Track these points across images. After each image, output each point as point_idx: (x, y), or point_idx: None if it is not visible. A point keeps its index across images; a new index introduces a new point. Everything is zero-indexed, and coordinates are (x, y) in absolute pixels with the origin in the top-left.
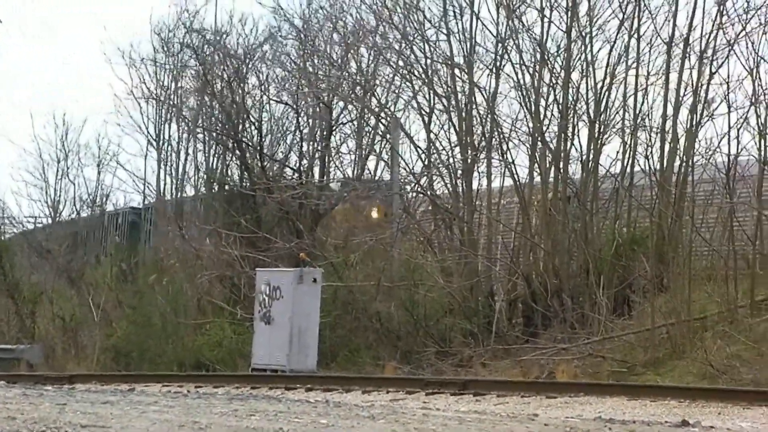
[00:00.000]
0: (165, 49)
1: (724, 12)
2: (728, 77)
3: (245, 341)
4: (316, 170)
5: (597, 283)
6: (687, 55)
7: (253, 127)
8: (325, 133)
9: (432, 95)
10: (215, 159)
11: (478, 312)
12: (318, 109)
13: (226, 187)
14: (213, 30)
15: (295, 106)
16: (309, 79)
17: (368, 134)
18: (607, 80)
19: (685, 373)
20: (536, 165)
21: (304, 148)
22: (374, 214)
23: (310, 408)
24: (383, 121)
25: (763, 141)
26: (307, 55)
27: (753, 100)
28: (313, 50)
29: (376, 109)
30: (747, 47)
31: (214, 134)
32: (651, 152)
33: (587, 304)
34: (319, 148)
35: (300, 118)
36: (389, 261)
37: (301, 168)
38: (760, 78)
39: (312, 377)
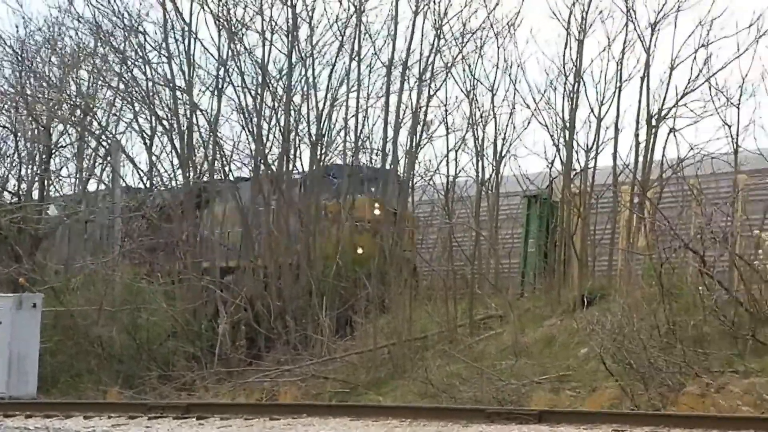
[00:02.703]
0: None
1: (442, 36)
2: (446, 100)
3: None
4: (36, 194)
5: (320, 304)
6: (406, 77)
7: None
8: (44, 156)
9: (153, 118)
10: None
11: (201, 335)
12: (37, 132)
13: None
14: None
15: (13, 129)
16: (27, 101)
17: (89, 157)
18: (329, 102)
19: (406, 392)
20: (259, 187)
21: (23, 172)
22: (376, 211)
23: None
24: (104, 143)
25: (480, 162)
26: (25, 78)
27: (470, 122)
28: (31, 72)
29: (97, 132)
30: (464, 70)
31: None
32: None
33: (310, 325)
34: (39, 171)
35: (18, 141)
36: (111, 285)
37: (20, 191)
38: (476, 100)
39: (32, 404)
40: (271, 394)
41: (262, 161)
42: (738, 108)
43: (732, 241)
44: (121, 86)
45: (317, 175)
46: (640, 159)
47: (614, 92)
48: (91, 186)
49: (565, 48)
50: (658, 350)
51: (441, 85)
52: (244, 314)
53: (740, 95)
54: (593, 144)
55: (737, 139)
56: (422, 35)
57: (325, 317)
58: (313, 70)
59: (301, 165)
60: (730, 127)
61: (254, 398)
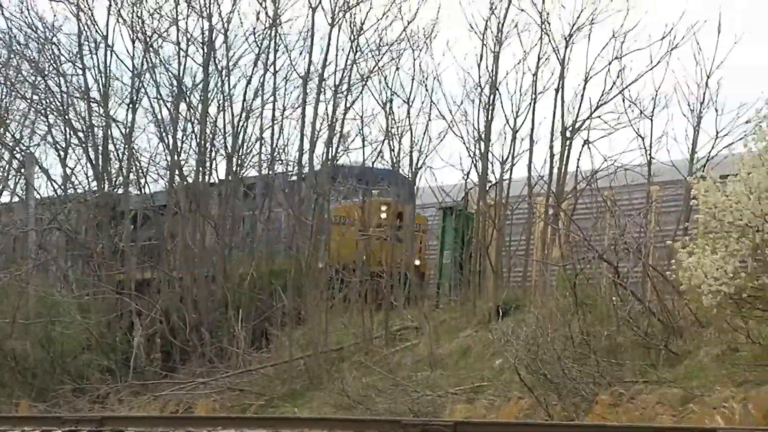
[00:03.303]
0: None
1: (358, 48)
2: (363, 111)
3: None
4: None
5: (236, 316)
6: (322, 89)
7: None
8: None
9: (68, 129)
10: None
11: (116, 348)
12: None
13: None
14: None
15: None
16: None
17: (2, 169)
18: (244, 114)
19: (322, 404)
20: (174, 198)
21: None
22: (383, 215)
23: None
24: (18, 156)
25: None
26: None
27: (386, 134)
28: None
29: (10, 144)
30: (380, 82)
31: None
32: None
33: (226, 337)
34: None
35: None
36: (25, 297)
37: None
38: (393, 112)
39: None
40: (186, 407)
41: (177, 173)
42: (651, 120)
43: (645, 252)
44: (36, 98)
45: (234, 185)
46: (555, 171)
47: (529, 104)
48: (5, 198)
49: (481, 60)
50: (572, 361)
51: (357, 97)
52: (160, 327)
53: (653, 107)
54: (508, 156)
55: (650, 150)
56: (338, 47)
57: (240, 329)
58: (229, 81)
59: (218, 176)
60: (643, 138)
61: (169, 411)
